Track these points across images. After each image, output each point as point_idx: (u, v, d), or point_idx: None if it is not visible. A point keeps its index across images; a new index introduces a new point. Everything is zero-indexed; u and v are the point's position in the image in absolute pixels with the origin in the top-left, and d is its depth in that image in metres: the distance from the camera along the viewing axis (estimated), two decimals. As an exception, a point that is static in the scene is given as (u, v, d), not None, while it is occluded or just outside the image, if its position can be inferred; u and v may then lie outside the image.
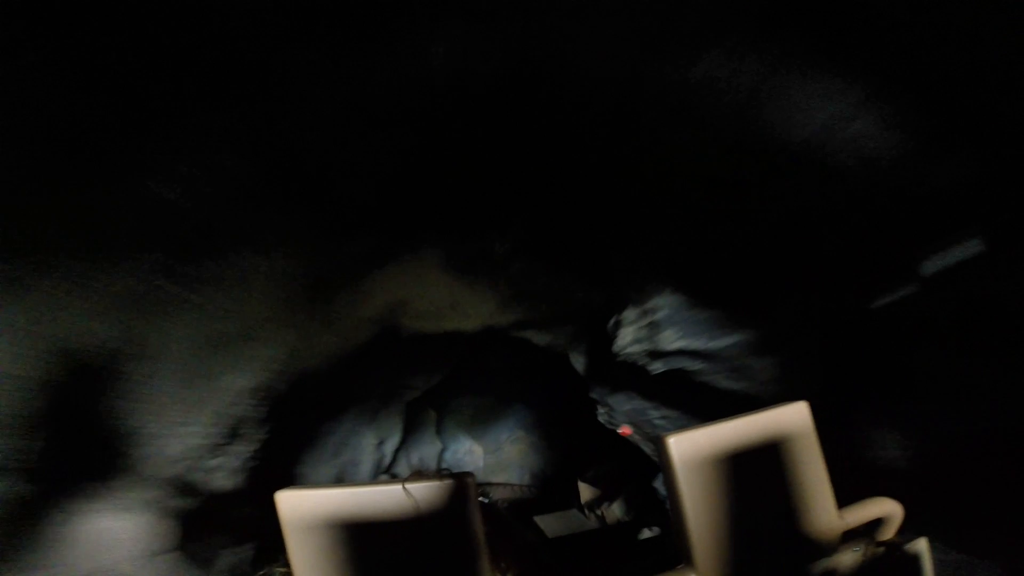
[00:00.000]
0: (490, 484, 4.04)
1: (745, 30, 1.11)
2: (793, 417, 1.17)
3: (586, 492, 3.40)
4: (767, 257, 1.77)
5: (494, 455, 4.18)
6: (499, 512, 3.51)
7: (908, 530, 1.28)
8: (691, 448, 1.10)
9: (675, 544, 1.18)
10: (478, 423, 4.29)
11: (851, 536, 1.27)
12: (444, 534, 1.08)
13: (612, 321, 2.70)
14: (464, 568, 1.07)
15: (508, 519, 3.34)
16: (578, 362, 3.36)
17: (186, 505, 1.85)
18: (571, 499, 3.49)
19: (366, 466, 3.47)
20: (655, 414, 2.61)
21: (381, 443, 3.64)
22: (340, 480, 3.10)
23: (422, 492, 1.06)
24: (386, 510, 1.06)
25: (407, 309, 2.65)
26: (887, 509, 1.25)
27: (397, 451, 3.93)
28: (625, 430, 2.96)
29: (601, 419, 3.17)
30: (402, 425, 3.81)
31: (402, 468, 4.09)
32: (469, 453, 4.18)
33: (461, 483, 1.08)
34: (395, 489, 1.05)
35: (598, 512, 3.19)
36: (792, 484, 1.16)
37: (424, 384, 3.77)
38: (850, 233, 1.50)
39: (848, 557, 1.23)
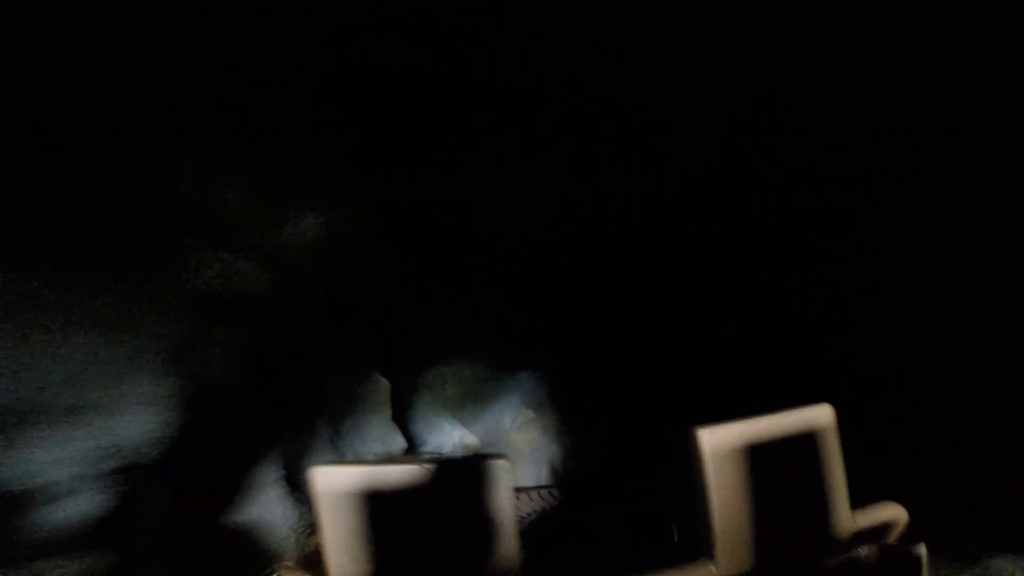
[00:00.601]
0: None
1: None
2: (818, 417, 1.20)
3: None
4: None
5: (493, 448, 2.89)
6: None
7: (911, 535, 1.34)
8: (722, 442, 1.13)
9: (696, 537, 1.20)
10: (467, 401, 2.88)
11: (858, 537, 1.32)
12: (476, 517, 1.07)
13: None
14: (492, 553, 1.07)
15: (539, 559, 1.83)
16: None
17: None
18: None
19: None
20: None
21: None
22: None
23: (455, 471, 1.06)
24: (419, 489, 1.05)
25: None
26: (895, 514, 1.30)
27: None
28: None
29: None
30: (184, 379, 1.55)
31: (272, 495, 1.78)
32: (459, 448, 2.86)
33: (493, 467, 1.08)
34: (431, 468, 1.05)
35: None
36: (812, 484, 1.19)
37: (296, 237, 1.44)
38: None
39: (855, 558, 1.27)
